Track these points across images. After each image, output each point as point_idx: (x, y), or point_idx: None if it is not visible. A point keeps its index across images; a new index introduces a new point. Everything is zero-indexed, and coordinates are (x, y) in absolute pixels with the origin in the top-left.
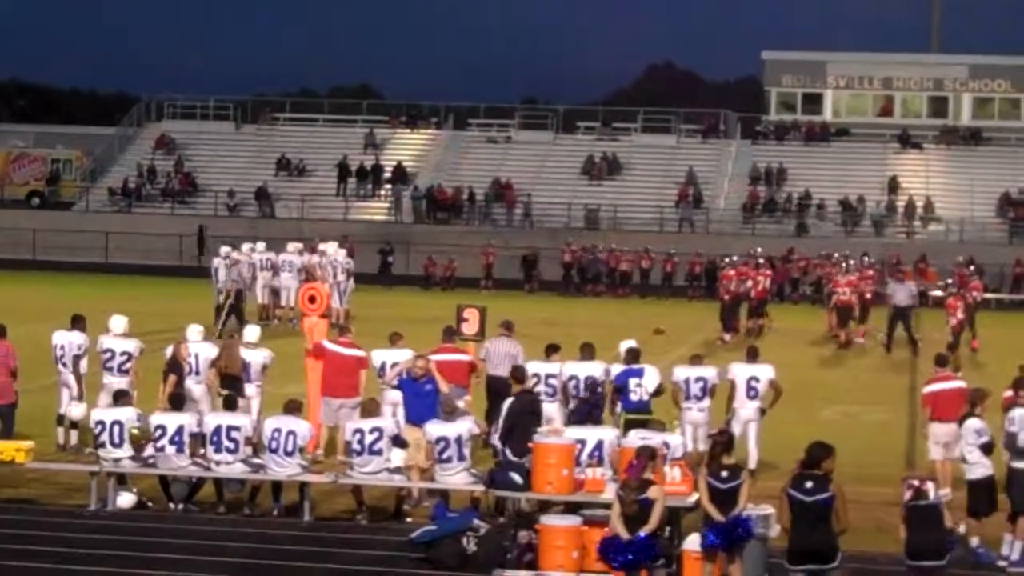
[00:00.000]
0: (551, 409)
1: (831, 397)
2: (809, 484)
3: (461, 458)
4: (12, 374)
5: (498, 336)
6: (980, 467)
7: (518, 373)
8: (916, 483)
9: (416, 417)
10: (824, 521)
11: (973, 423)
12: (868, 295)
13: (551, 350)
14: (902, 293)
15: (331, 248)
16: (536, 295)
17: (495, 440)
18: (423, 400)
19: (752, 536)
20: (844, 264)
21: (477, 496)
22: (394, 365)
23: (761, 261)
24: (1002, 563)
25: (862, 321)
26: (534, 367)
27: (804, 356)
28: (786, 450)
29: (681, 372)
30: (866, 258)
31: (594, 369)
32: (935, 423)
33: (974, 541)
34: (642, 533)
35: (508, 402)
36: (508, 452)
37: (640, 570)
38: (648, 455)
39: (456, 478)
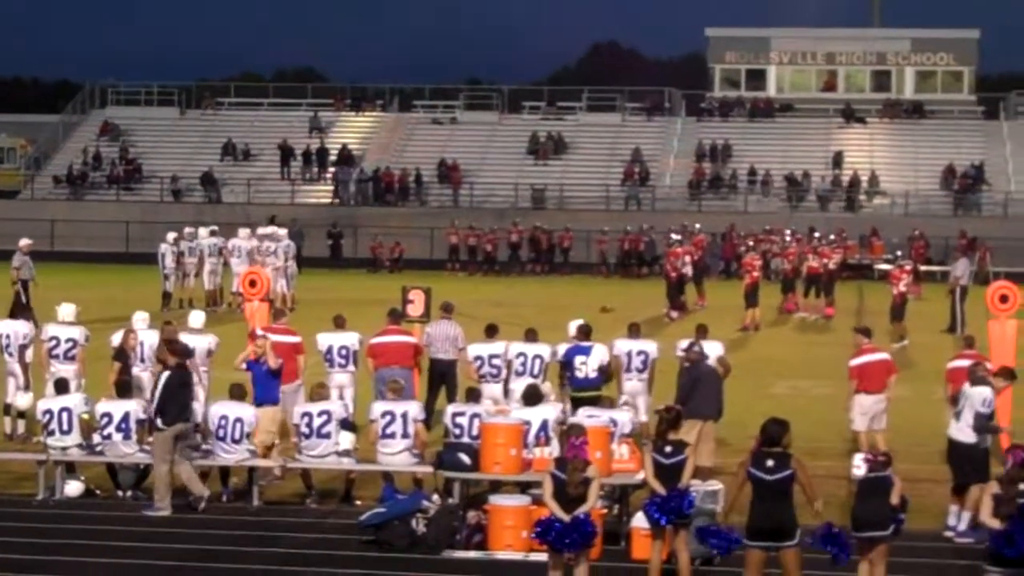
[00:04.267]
0: (495, 390)
1: (780, 372)
2: (770, 462)
3: (405, 435)
4: None
5: (439, 319)
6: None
7: (174, 347)
8: (872, 457)
9: (261, 396)
10: (786, 498)
11: (984, 391)
12: (833, 267)
13: (491, 331)
14: (961, 268)
15: (281, 231)
16: (484, 277)
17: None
18: (263, 380)
19: (694, 510)
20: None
21: (420, 478)
22: (341, 348)
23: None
24: (948, 533)
25: (827, 295)
26: (476, 349)
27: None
28: (736, 425)
29: (623, 345)
30: (844, 233)
31: (541, 349)
32: (862, 395)
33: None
34: (581, 513)
35: (165, 375)
36: (159, 422)
37: (580, 550)
38: (579, 433)
39: (398, 457)
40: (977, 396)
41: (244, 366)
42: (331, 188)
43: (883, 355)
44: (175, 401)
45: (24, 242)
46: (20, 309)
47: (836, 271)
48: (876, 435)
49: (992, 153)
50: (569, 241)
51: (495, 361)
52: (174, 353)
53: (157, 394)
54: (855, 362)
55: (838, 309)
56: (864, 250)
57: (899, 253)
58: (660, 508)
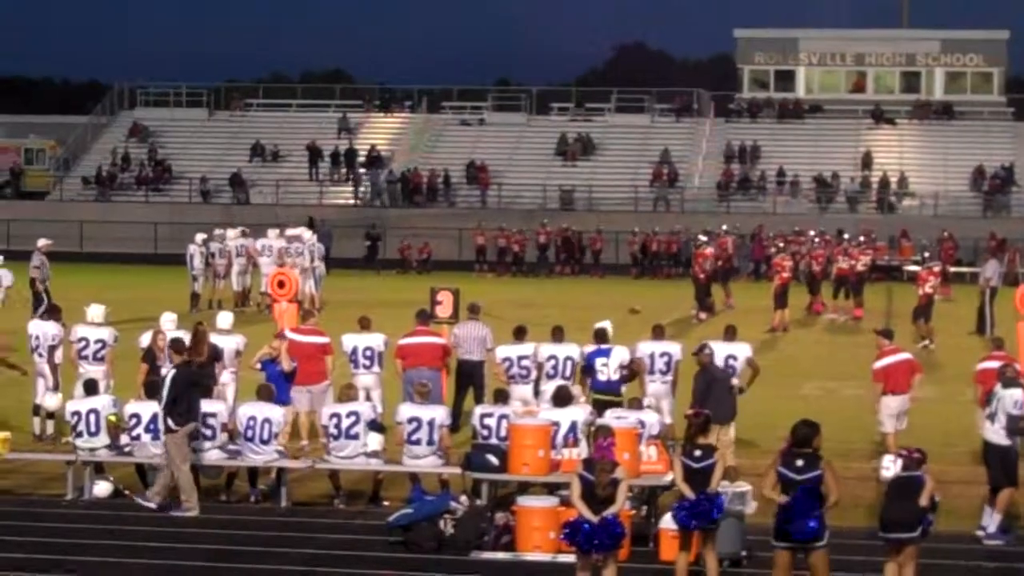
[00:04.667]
0: (524, 391)
1: (808, 373)
2: (800, 462)
3: (431, 442)
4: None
5: (466, 320)
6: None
7: (177, 345)
8: (906, 452)
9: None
10: (815, 498)
11: (1016, 393)
12: (862, 269)
13: (520, 332)
14: (991, 270)
15: (307, 233)
16: (513, 278)
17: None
18: (276, 380)
19: (723, 515)
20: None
21: (445, 479)
22: (366, 349)
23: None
24: (979, 532)
25: (856, 296)
26: (505, 350)
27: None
28: (765, 427)
29: (645, 347)
30: (872, 234)
31: (570, 350)
32: (888, 396)
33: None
34: (609, 514)
35: (171, 373)
36: (171, 423)
37: (609, 551)
38: (606, 434)
39: (423, 461)
40: (1009, 398)
41: (259, 365)
42: (360, 189)
43: (906, 355)
44: (184, 400)
45: (42, 242)
46: (52, 309)
47: (865, 272)
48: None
49: (1022, 154)
50: (601, 243)
51: (524, 362)
52: (178, 352)
53: (164, 393)
54: (878, 364)
55: (867, 311)
56: (893, 251)
57: (927, 254)
58: (690, 512)
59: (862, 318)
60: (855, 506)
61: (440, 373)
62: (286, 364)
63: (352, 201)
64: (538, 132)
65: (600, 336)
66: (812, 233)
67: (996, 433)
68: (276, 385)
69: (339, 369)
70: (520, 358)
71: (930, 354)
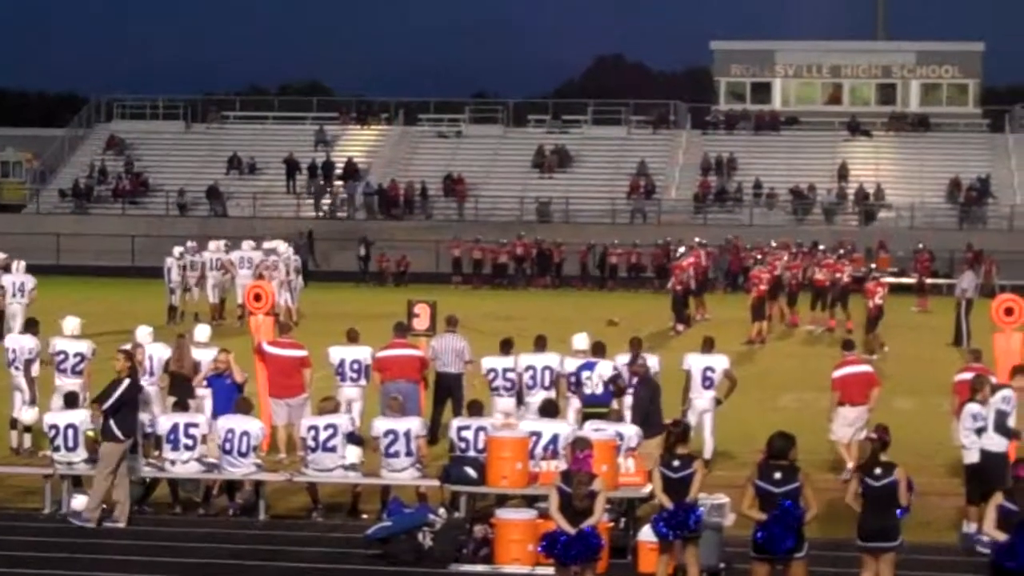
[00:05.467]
0: (509, 403)
1: (786, 385)
2: (778, 475)
3: (408, 453)
4: None
5: (444, 332)
6: (976, 452)
7: (128, 353)
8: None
9: (220, 411)
10: (792, 517)
11: (971, 408)
12: (846, 280)
13: (506, 345)
14: (968, 281)
15: (282, 246)
16: (490, 290)
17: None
18: (225, 394)
19: (702, 525)
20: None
21: (423, 492)
22: (353, 362)
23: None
24: (980, 536)
25: (837, 307)
26: (490, 362)
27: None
28: (743, 439)
29: (624, 360)
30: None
31: (550, 360)
32: (845, 407)
33: (971, 528)
34: (587, 526)
35: (126, 383)
36: (118, 432)
37: (587, 563)
38: (584, 446)
39: (403, 474)
40: (999, 396)
41: (205, 383)
42: (320, 201)
43: (865, 367)
44: (132, 412)
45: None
46: (29, 323)
47: (850, 284)
48: (853, 445)
49: (997, 166)
50: (584, 256)
51: (509, 375)
52: (130, 360)
53: (111, 402)
54: (836, 374)
55: (839, 322)
56: (870, 263)
57: (873, 266)
58: (667, 523)
59: (835, 329)
60: (833, 517)
61: (418, 385)
62: (238, 375)
63: (316, 214)
64: (515, 144)
65: (593, 348)
66: (774, 244)
67: (991, 441)
68: (227, 399)
69: (319, 382)
70: (505, 370)
71: (905, 366)
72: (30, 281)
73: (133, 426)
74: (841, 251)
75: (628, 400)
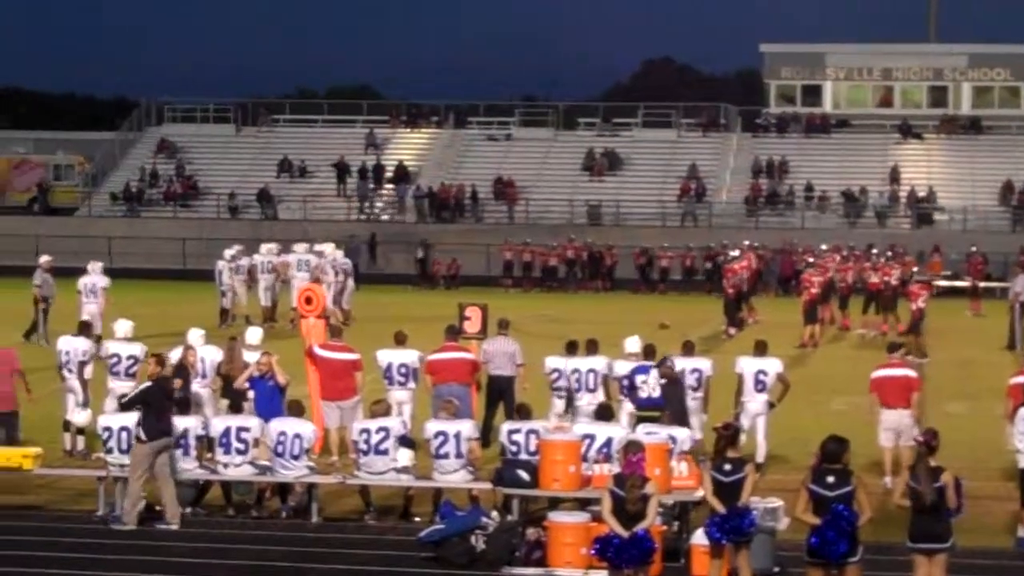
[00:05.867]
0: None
1: (838, 388)
2: (831, 479)
3: (459, 455)
4: (20, 379)
5: (496, 335)
6: None
7: (159, 358)
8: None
9: (263, 413)
10: (848, 521)
11: None
12: (895, 283)
13: (572, 347)
14: (1021, 284)
15: (328, 248)
16: (541, 293)
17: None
18: (267, 396)
19: (755, 529)
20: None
21: (475, 495)
22: (400, 365)
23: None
24: None
25: (886, 311)
26: (554, 363)
27: (809, 349)
28: (795, 443)
29: (677, 363)
30: (899, 249)
31: (596, 363)
32: (884, 409)
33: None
34: (640, 529)
35: (144, 386)
36: (141, 433)
37: (640, 567)
38: (636, 450)
39: (454, 476)
40: None
41: (247, 385)
42: (387, 205)
43: (905, 371)
44: (153, 414)
45: (44, 259)
46: (83, 325)
47: (899, 287)
48: (903, 450)
49: None
50: (644, 259)
51: (575, 376)
52: (160, 364)
53: (126, 401)
54: (873, 375)
55: (891, 325)
56: (923, 266)
57: (915, 269)
58: (720, 527)
59: (887, 333)
60: (887, 520)
61: (470, 389)
62: (282, 378)
63: (381, 217)
64: (565, 147)
65: (645, 351)
66: (825, 247)
67: None
68: (269, 400)
69: (370, 385)
70: (573, 371)
71: (958, 370)
72: (102, 281)
73: (160, 428)
74: (889, 253)
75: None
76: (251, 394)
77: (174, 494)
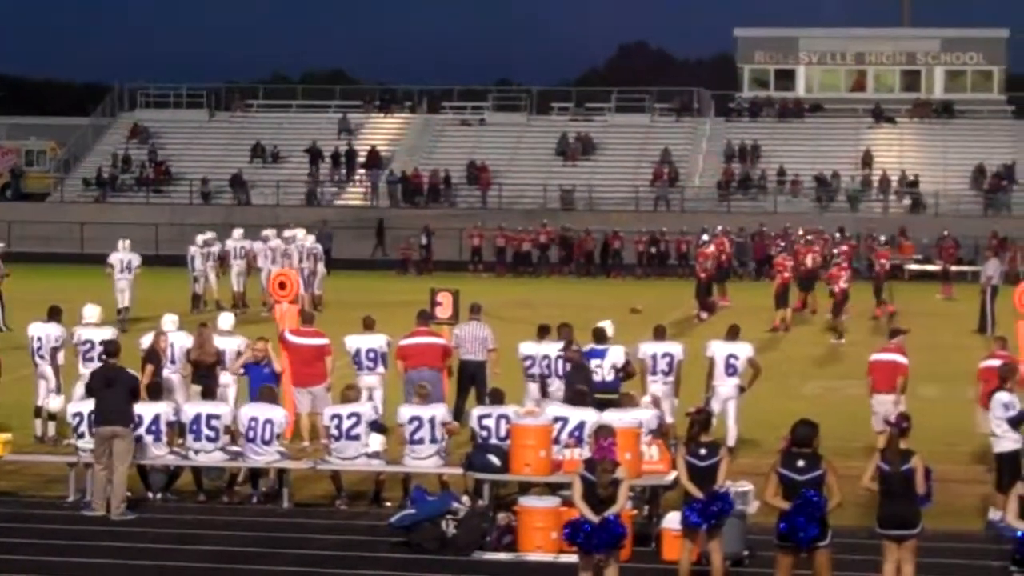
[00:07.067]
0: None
1: (810, 372)
2: (801, 463)
3: (433, 440)
4: None
5: (468, 320)
6: (1007, 440)
7: (108, 346)
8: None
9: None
10: (817, 506)
11: (1001, 396)
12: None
13: (543, 332)
14: (992, 268)
15: (300, 234)
16: (513, 278)
17: None
18: (262, 382)
19: (732, 512)
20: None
21: (446, 479)
22: (369, 350)
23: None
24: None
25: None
26: (528, 348)
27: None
28: (766, 426)
29: (647, 348)
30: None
31: (548, 348)
32: (876, 394)
33: (996, 515)
34: (610, 514)
35: (87, 373)
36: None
37: (610, 551)
38: (607, 434)
39: (427, 461)
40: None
41: (243, 370)
42: (360, 190)
43: (893, 356)
44: (102, 401)
45: None
46: (53, 311)
47: (817, 269)
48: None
49: (1022, 153)
50: (619, 243)
51: (545, 362)
52: (107, 352)
53: (84, 393)
54: (872, 358)
55: (862, 311)
56: (894, 250)
57: (835, 252)
58: (701, 512)
59: (880, 316)
60: (857, 504)
61: (441, 374)
62: (277, 364)
63: (353, 202)
64: (538, 132)
65: (597, 336)
66: (801, 232)
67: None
68: (256, 388)
69: (341, 370)
70: (542, 357)
71: (929, 353)
72: (136, 259)
73: (101, 416)
74: (810, 237)
75: (652, 388)
76: (226, 380)
77: (123, 484)
